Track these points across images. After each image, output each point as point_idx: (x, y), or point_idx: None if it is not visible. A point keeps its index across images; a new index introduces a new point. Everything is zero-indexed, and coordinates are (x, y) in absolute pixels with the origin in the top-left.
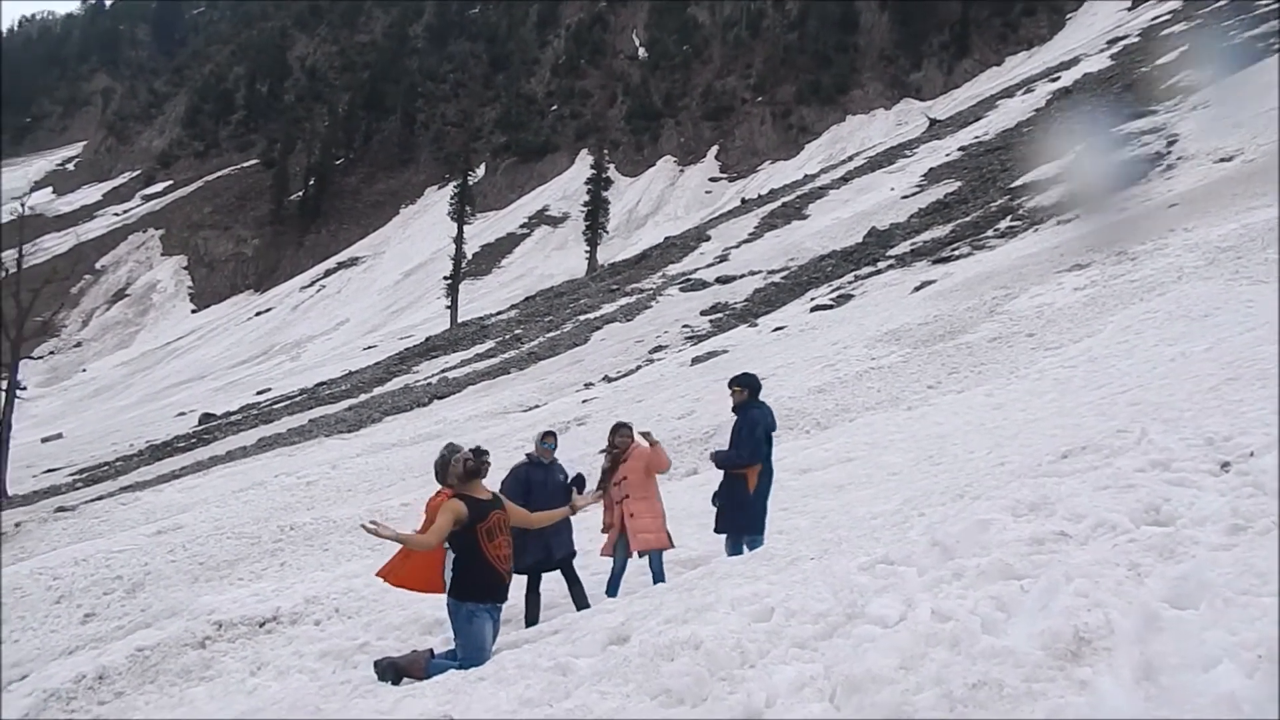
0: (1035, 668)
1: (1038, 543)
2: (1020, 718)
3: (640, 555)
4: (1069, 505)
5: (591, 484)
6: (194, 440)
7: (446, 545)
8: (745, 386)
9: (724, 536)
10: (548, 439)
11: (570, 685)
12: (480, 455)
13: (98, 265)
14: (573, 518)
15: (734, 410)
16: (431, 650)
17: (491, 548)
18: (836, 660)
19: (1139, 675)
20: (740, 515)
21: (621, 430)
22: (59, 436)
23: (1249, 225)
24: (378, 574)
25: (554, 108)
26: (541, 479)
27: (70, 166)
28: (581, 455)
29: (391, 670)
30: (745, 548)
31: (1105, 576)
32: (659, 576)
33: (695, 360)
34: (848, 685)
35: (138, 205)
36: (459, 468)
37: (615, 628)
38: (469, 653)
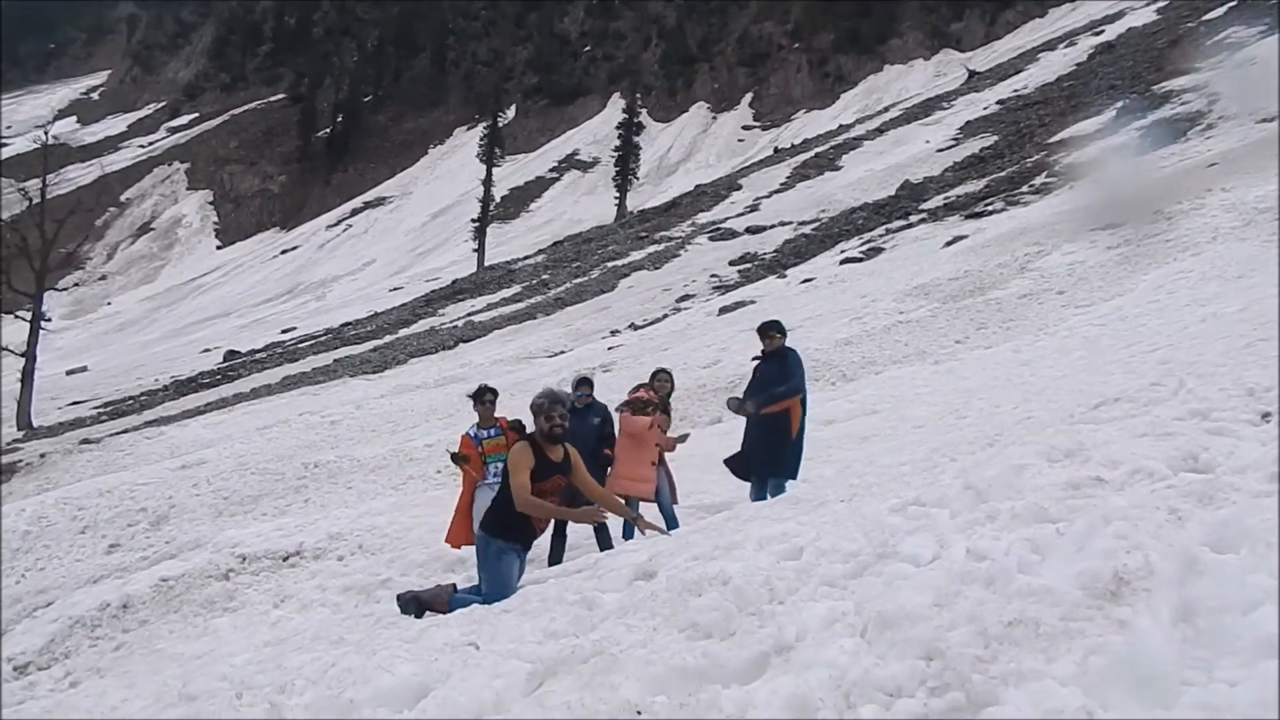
0: (1073, 606)
1: (1073, 488)
2: (1057, 655)
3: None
4: (1105, 452)
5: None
6: (218, 377)
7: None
8: (783, 333)
9: (747, 485)
10: (583, 387)
11: (596, 619)
12: (561, 422)
13: (122, 198)
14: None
15: (766, 356)
16: (455, 585)
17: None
18: (868, 597)
19: (1178, 616)
20: (784, 454)
21: (659, 376)
22: (84, 370)
23: None
24: (448, 541)
25: (587, 49)
26: (576, 425)
27: (95, 96)
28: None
29: (414, 604)
30: (769, 494)
31: (1144, 520)
32: (670, 522)
33: (723, 310)
34: (880, 621)
35: (163, 138)
36: (545, 425)
37: (641, 564)
38: (494, 588)
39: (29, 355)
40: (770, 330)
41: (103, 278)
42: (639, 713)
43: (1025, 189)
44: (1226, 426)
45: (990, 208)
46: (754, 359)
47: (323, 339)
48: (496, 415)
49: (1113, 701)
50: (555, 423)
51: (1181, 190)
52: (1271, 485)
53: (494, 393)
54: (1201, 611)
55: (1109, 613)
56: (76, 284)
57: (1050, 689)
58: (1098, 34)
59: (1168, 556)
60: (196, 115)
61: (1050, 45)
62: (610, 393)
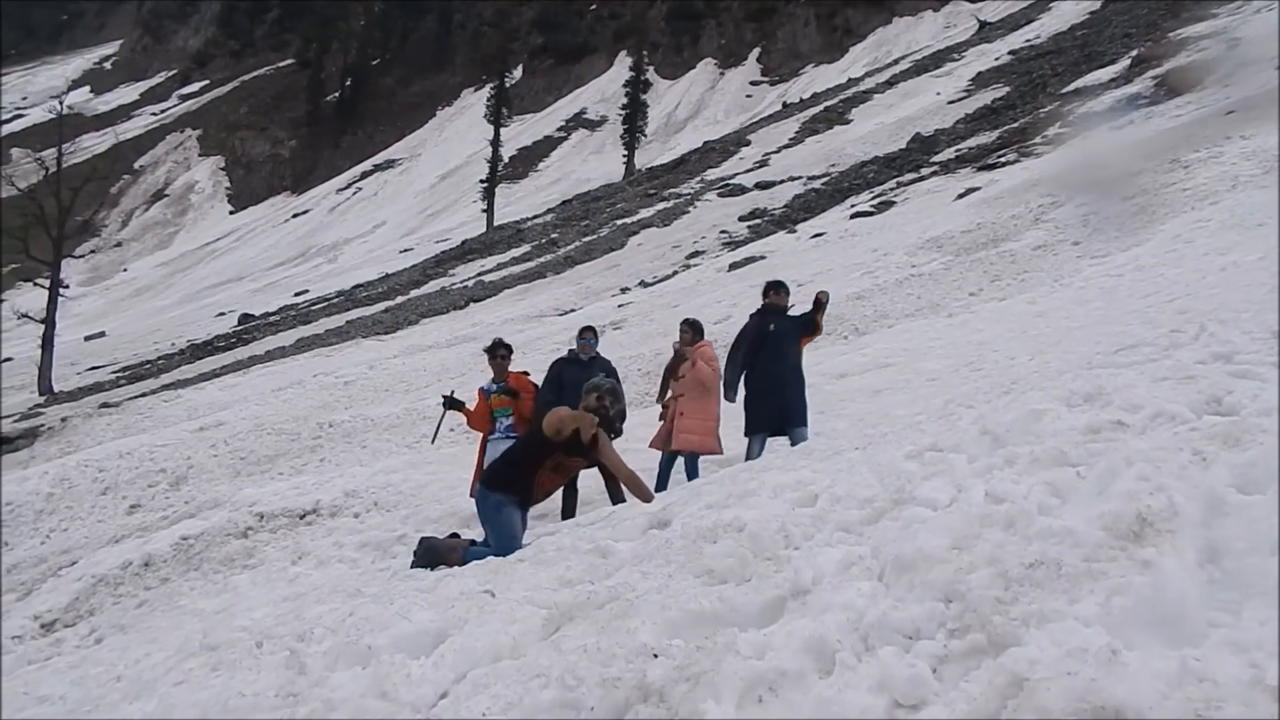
0: (1095, 548)
1: (1093, 431)
2: (1080, 596)
3: (680, 455)
4: (1126, 396)
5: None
6: (233, 340)
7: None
8: (789, 293)
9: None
10: (586, 334)
11: (611, 566)
12: (607, 405)
13: (136, 165)
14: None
15: (776, 309)
16: (472, 540)
17: (547, 478)
18: (885, 541)
19: (1203, 558)
20: (803, 403)
21: (696, 326)
22: (102, 335)
23: None
24: (471, 495)
25: (592, 7)
26: (575, 377)
27: (108, 65)
28: (617, 359)
29: (427, 556)
30: (792, 443)
31: (1168, 462)
32: (692, 474)
33: (733, 266)
34: (897, 564)
35: (174, 105)
36: (593, 401)
37: (655, 513)
38: (501, 541)
39: (49, 321)
40: (784, 288)
41: (118, 244)
42: (655, 655)
43: (1038, 140)
44: (1251, 369)
45: (1003, 159)
46: (756, 314)
47: (335, 301)
48: (510, 370)
49: (1137, 641)
50: (602, 403)
51: (1197, 139)
52: None
53: (508, 348)
54: (1228, 553)
55: (1132, 554)
56: (93, 251)
57: (1073, 629)
58: None
59: (1192, 498)
60: (207, 82)
61: None
62: (620, 350)
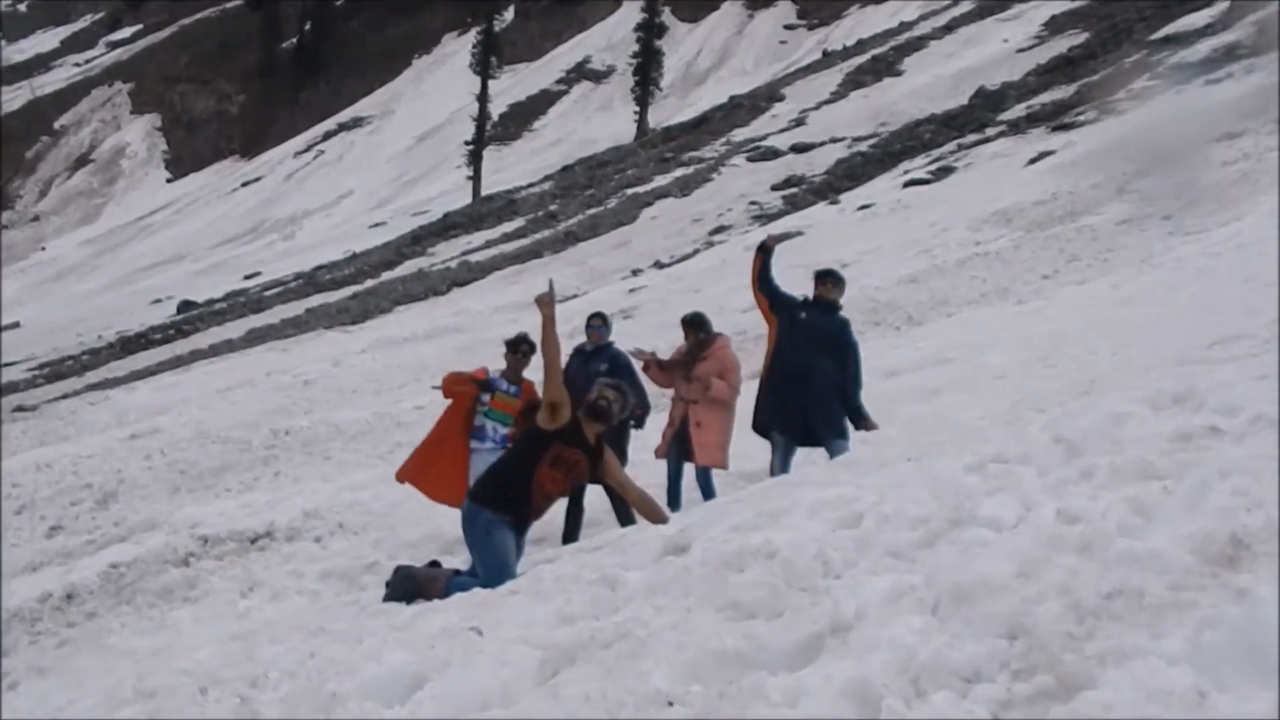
0: (1183, 574)
1: (1183, 439)
2: (1164, 630)
3: (689, 467)
4: (1221, 397)
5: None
6: (172, 331)
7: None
8: (843, 286)
9: (763, 445)
10: (594, 320)
11: (619, 599)
12: (608, 406)
13: (56, 125)
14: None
15: (821, 303)
16: (458, 570)
17: (546, 475)
18: (940, 569)
19: None
20: (839, 411)
21: (704, 323)
22: (16, 325)
23: None
24: (398, 475)
25: None
26: (581, 371)
27: (21, 8)
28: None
29: (403, 587)
30: (830, 455)
31: (1268, 474)
32: (709, 494)
33: None
34: (954, 595)
35: (102, 54)
36: (593, 395)
37: (671, 537)
38: (489, 567)
39: None
40: (832, 279)
41: (35, 218)
42: (670, 703)
43: (1122, 95)
44: None
45: (1081, 118)
46: (801, 298)
47: (293, 285)
48: (525, 376)
49: (1229, 682)
50: (603, 396)
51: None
52: None
53: (531, 345)
54: None
55: (1225, 581)
56: (5, 226)
57: (1156, 668)
58: None
59: None
60: (140, 27)
61: None
62: (631, 344)
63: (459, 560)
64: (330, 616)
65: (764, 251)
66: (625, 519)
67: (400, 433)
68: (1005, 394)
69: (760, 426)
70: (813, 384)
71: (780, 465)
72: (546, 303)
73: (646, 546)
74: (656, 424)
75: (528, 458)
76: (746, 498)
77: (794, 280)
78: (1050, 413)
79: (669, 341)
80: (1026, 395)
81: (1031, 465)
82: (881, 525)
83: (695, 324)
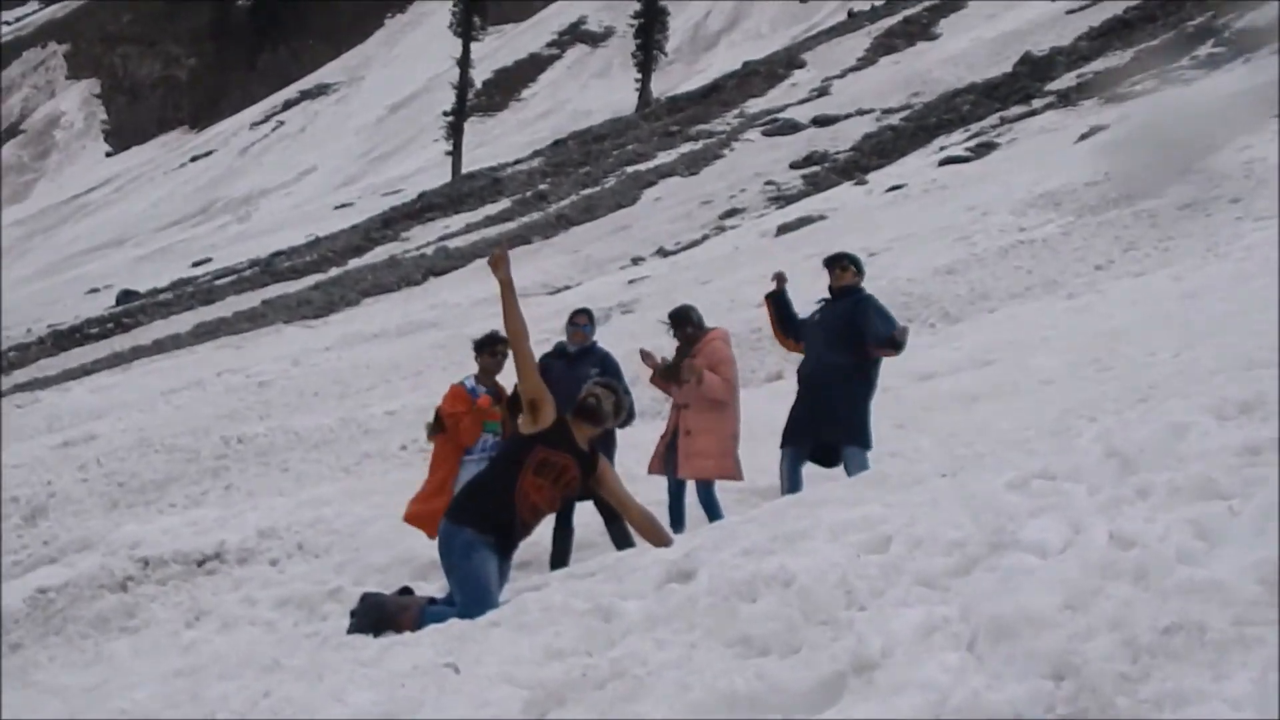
0: (1249, 606)
1: (1252, 453)
2: (1228, 670)
3: (691, 482)
4: None
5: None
6: (110, 325)
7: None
8: (860, 269)
9: (778, 459)
10: (578, 319)
11: (615, 632)
12: (597, 404)
13: None
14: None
15: (836, 293)
16: (432, 598)
17: (531, 484)
18: (978, 599)
19: None
20: (862, 417)
21: (691, 317)
22: None
23: None
24: (406, 518)
25: None
26: (564, 375)
27: None
28: (625, 355)
29: (371, 618)
30: (849, 470)
31: None
32: (713, 512)
33: (782, 229)
34: (993, 629)
35: (34, 12)
36: (581, 393)
37: (674, 562)
38: (470, 597)
39: None
40: (839, 263)
41: None
42: None
43: (1186, 62)
44: None
45: (1138, 88)
46: (819, 301)
47: (247, 274)
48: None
49: None
50: (592, 394)
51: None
52: None
53: (505, 343)
54: None
55: None
56: None
57: (1218, 713)
58: None
59: None
60: None
61: None
62: (631, 342)
63: (434, 587)
64: (287, 650)
65: (774, 300)
66: (622, 540)
67: (368, 441)
68: (1052, 401)
69: (817, 446)
70: (817, 381)
71: (787, 480)
72: (500, 263)
73: (646, 573)
74: (651, 433)
75: (509, 466)
76: (759, 518)
77: (819, 269)
78: (1103, 422)
79: (674, 342)
80: (1076, 402)
81: (1081, 482)
82: (912, 550)
83: (681, 320)
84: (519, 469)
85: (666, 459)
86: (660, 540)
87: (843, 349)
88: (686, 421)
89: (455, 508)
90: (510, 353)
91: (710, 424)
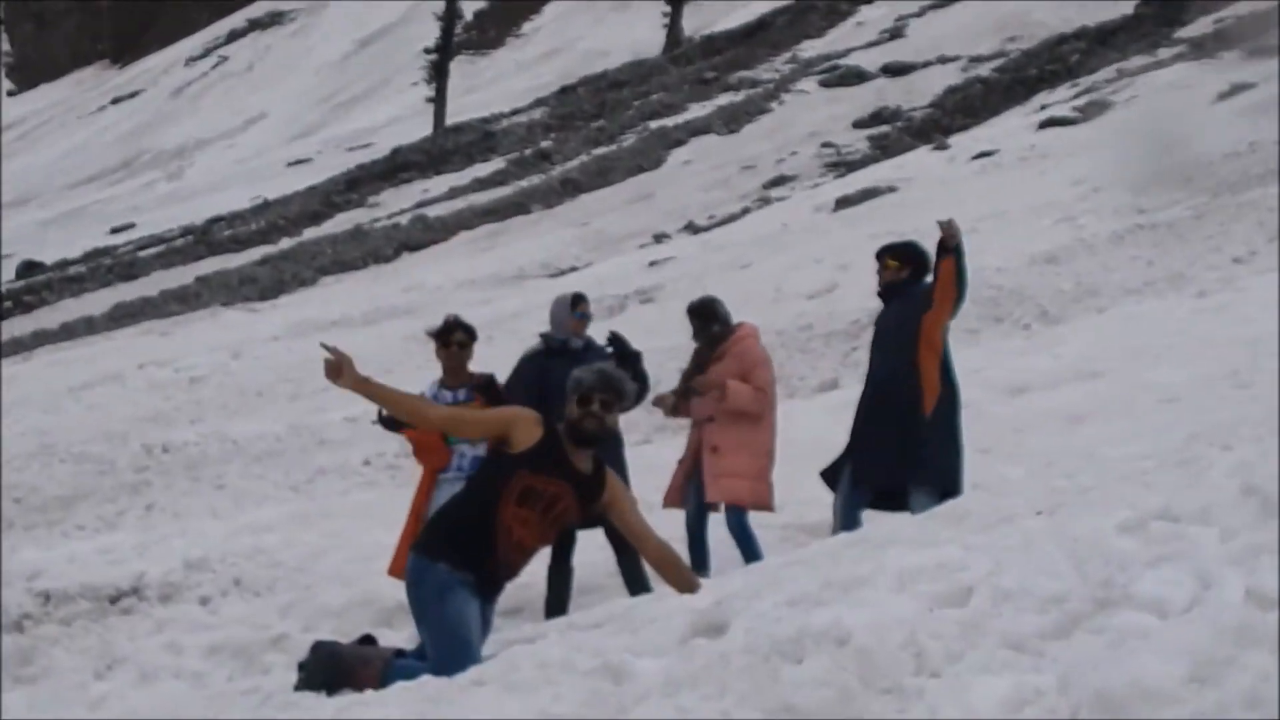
0: None
1: None
2: None
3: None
4: None
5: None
6: (9, 304)
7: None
8: (910, 260)
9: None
10: (579, 306)
11: (627, 698)
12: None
13: None
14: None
15: (884, 292)
16: (400, 650)
17: (513, 517)
18: (1080, 668)
19: None
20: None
21: (718, 311)
22: None
23: None
24: (391, 573)
25: None
26: (564, 378)
27: None
28: (647, 351)
29: (324, 672)
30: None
31: None
32: (750, 548)
33: (841, 203)
34: (1099, 705)
35: None
36: (576, 411)
37: (702, 611)
38: (446, 647)
39: None
40: (890, 255)
41: None
42: None
43: None
44: None
45: None
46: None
47: (179, 244)
48: (471, 370)
49: None
50: (592, 413)
51: None
52: None
53: (468, 331)
54: None
55: None
56: None
57: None
58: None
59: None
60: None
61: None
62: (651, 338)
63: (401, 636)
64: (220, 708)
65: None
66: (636, 583)
67: (324, 454)
68: (1177, 424)
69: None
70: (874, 400)
71: (842, 516)
72: (338, 372)
73: (668, 624)
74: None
75: (486, 495)
76: (808, 559)
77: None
78: (1239, 452)
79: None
80: (1207, 427)
81: (1212, 526)
82: (998, 604)
83: (706, 314)
84: (498, 499)
85: (686, 488)
86: (685, 583)
87: (904, 353)
88: (712, 437)
89: (426, 538)
90: (467, 345)
91: (742, 438)
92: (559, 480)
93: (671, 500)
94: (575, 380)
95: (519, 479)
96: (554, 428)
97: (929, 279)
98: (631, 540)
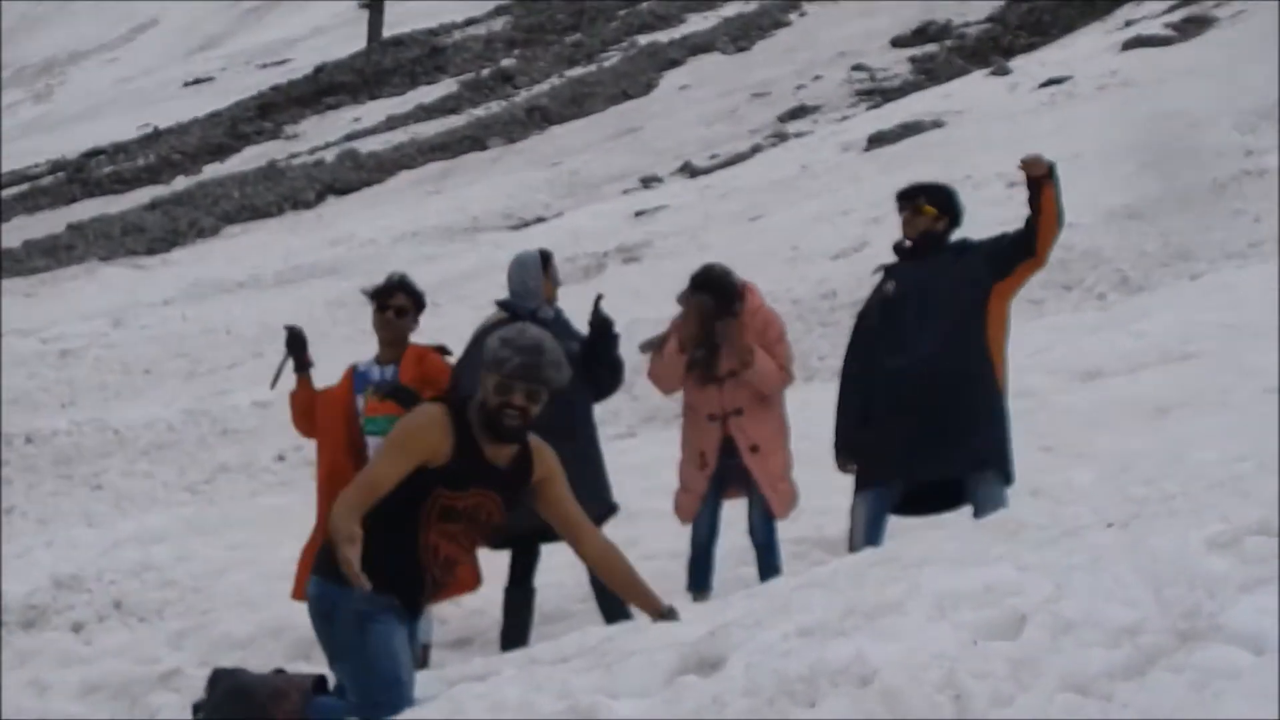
0: None
1: None
2: None
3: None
4: None
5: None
6: None
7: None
8: (949, 209)
9: (859, 492)
10: (550, 265)
11: None
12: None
13: None
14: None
15: (913, 246)
16: (322, 678)
17: (438, 535)
18: (1159, 712)
19: None
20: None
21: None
22: None
23: None
24: (295, 597)
25: None
26: None
27: None
28: (630, 323)
29: (227, 709)
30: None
31: None
32: (773, 563)
33: (875, 140)
34: None
35: None
36: (494, 400)
37: (694, 644)
38: (370, 687)
39: None
40: (914, 198)
41: None
42: None
43: None
44: None
45: None
46: (880, 268)
47: (46, 183)
48: (413, 341)
49: None
50: (512, 402)
51: None
52: None
53: (413, 295)
54: None
55: None
56: None
57: None
58: None
59: None
60: None
61: None
62: (635, 305)
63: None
64: None
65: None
66: (612, 609)
67: (227, 447)
68: None
69: (857, 481)
70: (917, 381)
71: (864, 530)
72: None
73: (651, 659)
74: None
75: (405, 520)
76: (825, 581)
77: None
78: None
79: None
80: None
81: None
82: (1058, 637)
83: (724, 289)
84: (418, 524)
85: (709, 493)
86: (643, 600)
87: (952, 328)
88: (747, 433)
89: (327, 558)
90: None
91: (776, 432)
92: (479, 489)
93: (689, 511)
94: (495, 358)
95: (435, 499)
96: (467, 429)
97: (959, 237)
98: (564, 534)
